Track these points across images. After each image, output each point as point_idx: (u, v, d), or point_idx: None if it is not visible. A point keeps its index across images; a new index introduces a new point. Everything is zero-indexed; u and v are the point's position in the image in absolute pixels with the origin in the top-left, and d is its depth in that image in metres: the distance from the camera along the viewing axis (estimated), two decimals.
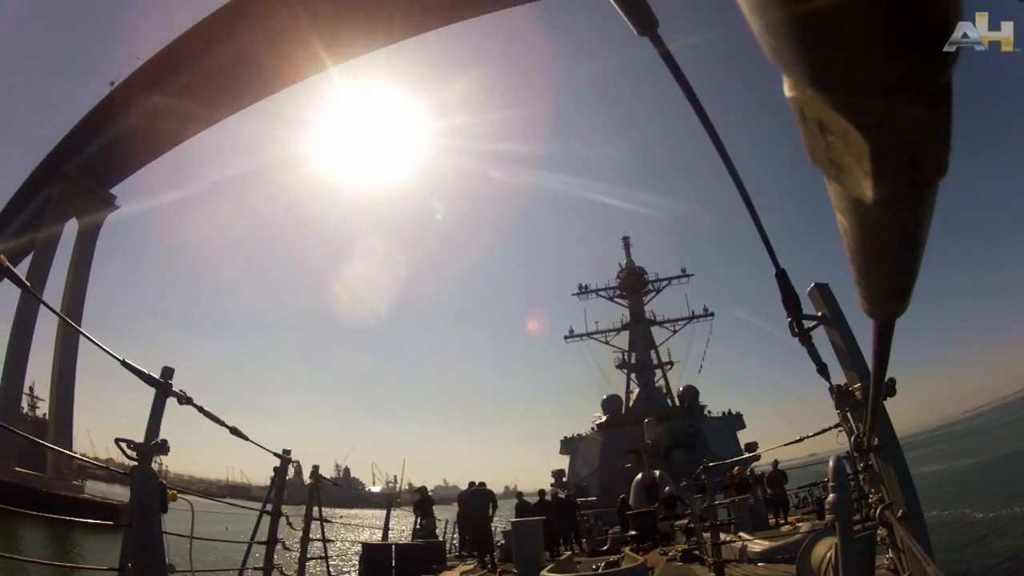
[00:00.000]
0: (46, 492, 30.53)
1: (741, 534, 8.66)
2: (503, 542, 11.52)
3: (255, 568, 4.66)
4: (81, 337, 2.90)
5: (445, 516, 13.87)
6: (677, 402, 32.93)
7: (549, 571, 7.20)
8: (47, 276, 41.01)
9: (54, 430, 40.23)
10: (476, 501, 10.79)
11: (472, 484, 11.40)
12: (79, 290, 42.76)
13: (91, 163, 40.57)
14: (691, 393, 32.41)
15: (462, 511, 11.05)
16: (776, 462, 14.52)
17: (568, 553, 11.58)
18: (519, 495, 13.53)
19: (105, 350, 2.85)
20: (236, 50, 34.55)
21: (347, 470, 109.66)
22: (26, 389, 63.45)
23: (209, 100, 37.44)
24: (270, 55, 34.15)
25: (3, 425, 3.12)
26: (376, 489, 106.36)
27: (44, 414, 60.30)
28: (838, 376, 3.21)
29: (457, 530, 12.02)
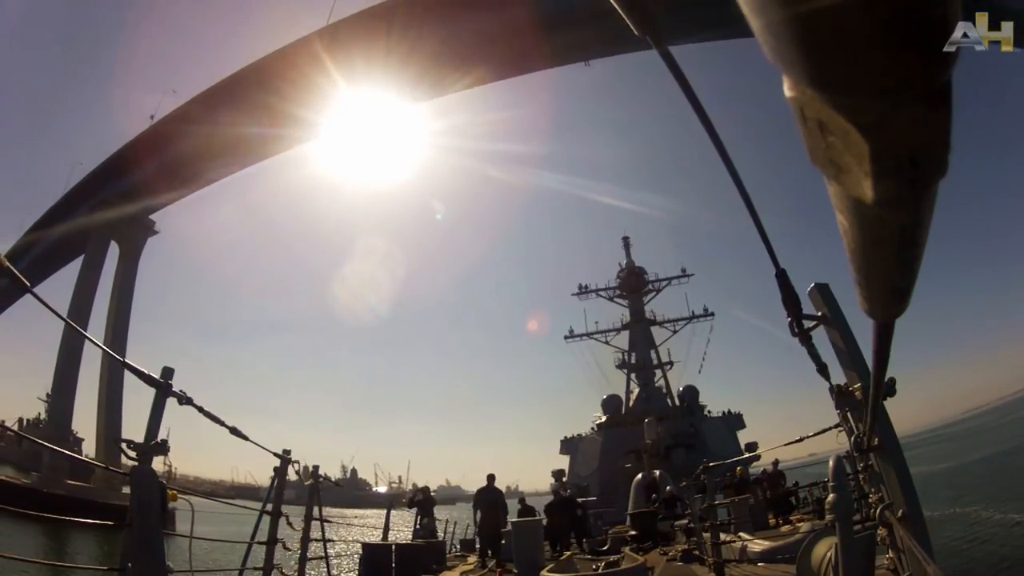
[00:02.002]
0: (100, 502, 31.19)
1: (741, 534, 8.66)
2: (503, 542, 11.53)
3: (255, 568, 4.66)
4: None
5: (447, 516, 13.89)
6: (677, 402, 32.92)
7: (549, 571, 7.20)
8: (93, 298, 42.36)
9: (103, 445, 40.86)
10: (489, 499, 10.92)
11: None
12: (124, 311, 43.86)
13: (131, 192, 41.96)
14: (691, 393, 32.41)
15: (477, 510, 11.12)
16: (776, 461, 14.53)
17: (568, 553, 11.57)
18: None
19: (106, 350, 2.86)
20: (280, 98, 35.71)
21: (354, 471, 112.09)
22: (43, 396, 64.27)
23: (251, 143, 38.84)
24: (313, 106, 35.66)
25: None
26: (382, 490, 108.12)
27: None
28: (838, 376, 3.21)
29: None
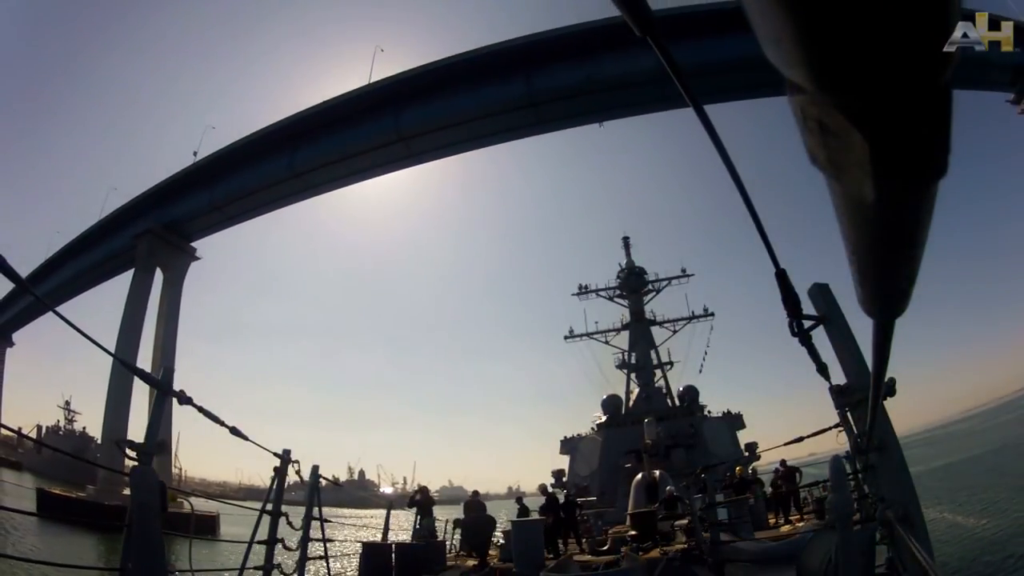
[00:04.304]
0: None
1: (741, 534, 8.66)
2: (503, 542, 11.53)
3: (255, 568, 4.65)
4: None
5: (449, 516, 13.89)
6: (677, 402, 32.86)
7: (549, 571, 7.20)
8: (143, 323, 43.28)
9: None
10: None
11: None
12: (171, 330, 44.84)
13: (174, 223, 43.85)
14: (691, 393, 32.34)
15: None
16: (783, 461, 14.58)
17: (568, 553, 11.57)
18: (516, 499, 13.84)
19: (105, 350, 2.86)
20: (324, 151, 37.36)
21: (362, 472, 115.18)
22: (62, 403, 64.54)
23: (293, 187, 40.33)
24: (362, 156, 37.36)
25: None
26: (387, 490, 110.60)
27: (84, 427, 62.11)
28: (838, 376, 3.21)
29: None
